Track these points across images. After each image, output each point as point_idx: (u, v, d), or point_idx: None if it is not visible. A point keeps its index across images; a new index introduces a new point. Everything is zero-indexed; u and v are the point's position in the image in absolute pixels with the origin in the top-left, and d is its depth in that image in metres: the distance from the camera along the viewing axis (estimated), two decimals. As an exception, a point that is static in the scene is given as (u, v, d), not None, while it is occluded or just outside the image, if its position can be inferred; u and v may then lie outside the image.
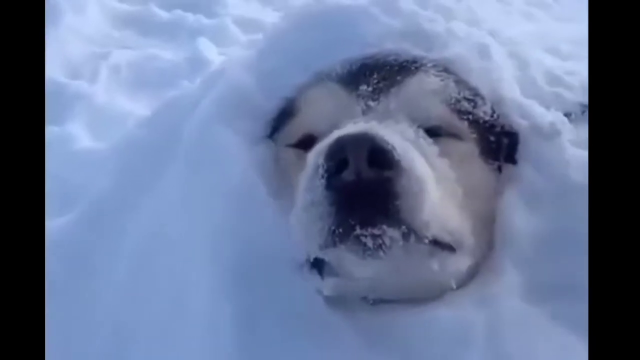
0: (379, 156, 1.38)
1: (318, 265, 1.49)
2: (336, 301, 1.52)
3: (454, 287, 1.53)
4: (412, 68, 1.69)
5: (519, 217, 1.59)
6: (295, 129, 1.69)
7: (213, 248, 1.57)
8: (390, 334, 1.51)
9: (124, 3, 4.75)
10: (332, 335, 1.50)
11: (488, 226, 1.61)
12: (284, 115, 1.73)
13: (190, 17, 4.53)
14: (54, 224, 1.89)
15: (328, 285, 1.50)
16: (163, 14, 4.59)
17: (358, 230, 1.38)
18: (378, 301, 1.56)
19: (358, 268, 1.45)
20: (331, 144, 1.41)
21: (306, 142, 1.64)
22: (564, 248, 1.56)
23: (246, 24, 4.43)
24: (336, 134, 1.46)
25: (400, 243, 1.40)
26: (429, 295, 1.55)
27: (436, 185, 1.46)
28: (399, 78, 1.66)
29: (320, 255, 1.46)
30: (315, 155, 1.44)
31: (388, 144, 1.40)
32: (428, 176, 1.44)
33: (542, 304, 1.53)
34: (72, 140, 3.00)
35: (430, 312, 1.53)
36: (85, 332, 1.68)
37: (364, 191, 1.38)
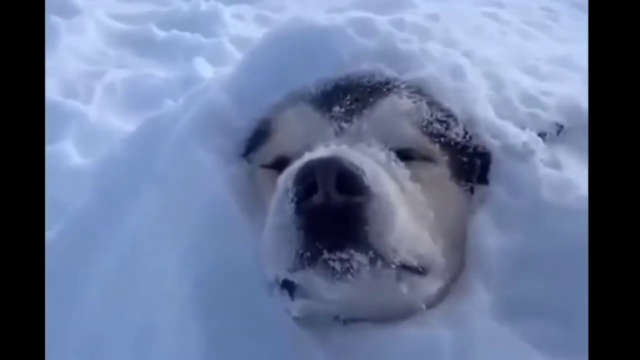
0: (348, 181, 1.39)
1: (288, 286, 1.50)
2: (306, 319, 1.53)
3: (424, 308, 1.53)
4: (385, 90, 1.70)
5: (489, 237, 1.59)
6: (269, 150, 1.70)
7: (185, 264, 1.58)
8: (360, 353, 1.52)
9: (122, 22, 4.80)
10: (302, 353, 1.50)
11: (459, 247, 1.61)
12: (259, 135, 1.74)
13: (188, 36, 4.56)
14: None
15: (297, 306, 1.51)
16: (161, 33, 4.63)
17: (326, 255, 1.39)
18: (349, 320, 1.56)
19: (327, 291, 1.46)
20: (300, 167, 1.42)
21: (280, 163, 1.65)
22: (535, 268, 1.57)
23: (243, 44, 4.44)
24: (307, 157, 1.47)
25: (368, 268, 1.41)
26: (399, 315, 1.55)
27: (406, 209, 1.47)
28: (371, 100, 1.67)
29: (289, 277, 1.46)
30: (285, 179, 1.45)
31: (358, 168, 1.41)
32: (397, 201, 1.45)
33: (512, 323, 1.53)
34: (65, 157, 3.03)
35: (400, 330, 1.53)
36: (60, 345, 1.69)
37: (332, 215, 1.39)
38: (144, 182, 1.79)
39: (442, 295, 1.58)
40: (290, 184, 1.41)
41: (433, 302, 1.56)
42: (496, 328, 1.52)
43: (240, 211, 1.62)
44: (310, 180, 1.39)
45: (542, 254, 1.58)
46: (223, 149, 1.73)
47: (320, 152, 1.49)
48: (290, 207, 1.41)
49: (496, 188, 1.66)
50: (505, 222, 1.61)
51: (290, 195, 1.41)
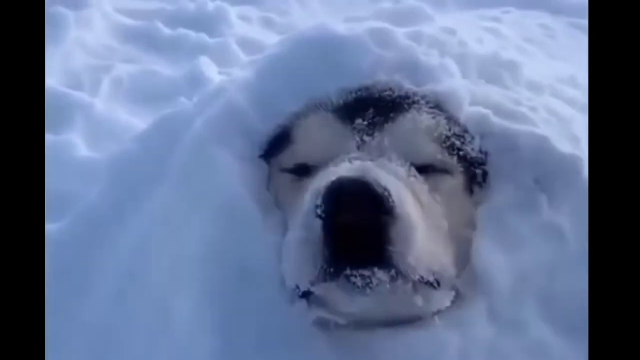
0: (375, 201, 1.44)
1: (305, 295, 1.54)
2: (317, 319, 1.57)
3: (437, 321, 1.58)
4: (405, 105, 1.74)
5: (492, 251, 1.65)
6: (290, 156, 1.74)
7: (199, 261, 1.62)
8: (371, 354, 1.57)
9: (129, 17, 4.80)
10: (311, 352, 1.55)
11: (468, 256, 1.66)
12: (279, 140, 1.78)
13: (193, 35, 4.57)
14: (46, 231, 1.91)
15: (313, 314, 1.55)
16: (167, 31, 4.63)
17: (349, 271, 1.45)
18: (359, 324, 1.59)
19: (345, 303, 1.51)
20: (330, 186, 1.45)
21: (300, 170, 1.70)
22: (534, 283, 1.63)
23: (248, 45, 4.46)
24: (333, 173, 1.51)
25: (388, 284, 1.46)
26: (409, 322, 1.60)
27: (425, 225, 1.52)
28: (392, 115, 1.71)
29: (310, 289, 1.51)
30: (313, 195, 1.48)
31: (385, 190, 1.45)
32: (418, 220, 1.50)
33: (512, 333, 1.59)
34: (70, 148, 3.03)
35: (409, 334, 1.58)
36: (71, 337, 1.71)
37: (358, 234, 1.43)
38: (158, 178, 1.82)
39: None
40: (319, 201, 1.45)
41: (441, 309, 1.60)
42: (495, 337, 1.59)
43: (256, 209, 1.66)
44: (339, 199, 1.43)
45: (541, 270, 1.65)
46: (241, 149, 1.76)
47: (347, 168, 1.53)
48: (317, 224, 1.45)
49: (502, 203, 1.71)
50: (507, 236, 1.67)
51: (319, 212, 1.44)
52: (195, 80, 3.85)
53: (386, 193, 1.45)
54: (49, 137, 2.92)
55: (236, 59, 4.29)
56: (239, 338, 1.54)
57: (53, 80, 3.62)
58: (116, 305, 1.69)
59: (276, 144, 1.78)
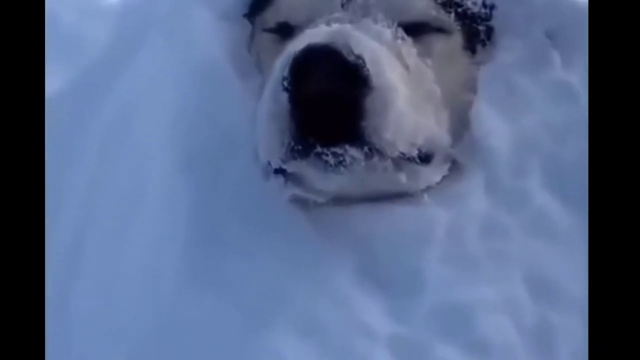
0: (346, 71, 1.31)
1: (281, 172, 1.45)
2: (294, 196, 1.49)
3: (426, 200, 1.49)
4: None
5: (491, 118, 1.53)
6: (273, 15, 1.61)
7: (174, 125, 1.55)
8: (355, 231, 1.49)
9: None
10: (289, 227, 1.48)
11: (467, 122, 1.54)
12: None
13: None
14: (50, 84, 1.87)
15: (289, 191, 1.47)
16: None
17: (319, 149, 1.34)
18: (339, 201, 1.51)
19: (320, 182, 1.42)
20: (296, 55, 1.33)
21: (282, 30, 1.58)
22: (532, 153, 1.52)
23: None
24: (305, 39, 1.38)
25: (363, 162, 1.36)
26: (395, 198, 1.51)
27: (410, 95, 1.40)
28: None
29: (282, 166, 1.42)
30: (282, 64, 1.37)
31: (358, 57, 1.32)
32: (399, 91, 1.37)
33: (507, 208, 1.50)
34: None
35: (395, 210, 1.50)
36: (63, 200, 1.68)
37: (327, 108, 1.32)
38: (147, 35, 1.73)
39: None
40: (285, 72, 1.33)
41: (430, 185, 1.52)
42: (491, 211, 1.49)
43: (236, 73, 1.56)
44: (305, 69, 1.31)
45: (549, 134, 1.54)
46: (224, 7, 1.64)
47: (321, 34, 1.39)
48: (284, 97, 1.34)
49: (508, 61, 1.57)
50: (512, 98, 1.55)
51: (285, 84, 1.33)
52: None
53: (360, 61, 1.31)
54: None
55: None
56: (214, 209, 1.48)
57: None
58: (97, 171, 1.65)
59: (259, 1, 1.65)
